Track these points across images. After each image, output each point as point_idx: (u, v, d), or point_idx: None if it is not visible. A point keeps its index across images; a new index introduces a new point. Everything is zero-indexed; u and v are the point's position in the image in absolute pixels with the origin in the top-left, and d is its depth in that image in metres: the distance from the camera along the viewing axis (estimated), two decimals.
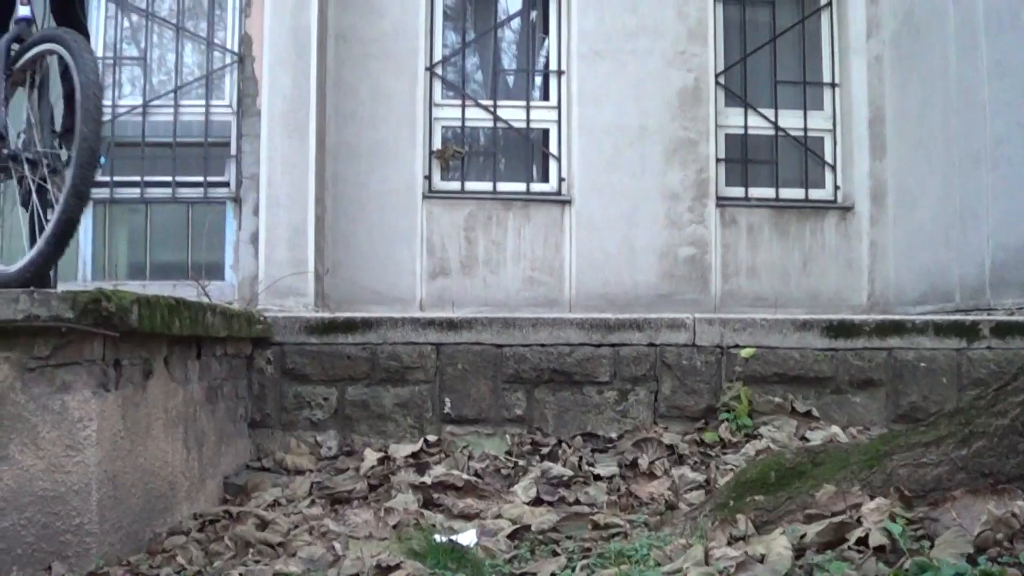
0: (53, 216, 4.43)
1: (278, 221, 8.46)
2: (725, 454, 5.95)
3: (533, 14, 10.07)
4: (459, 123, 9.68)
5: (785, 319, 6.57)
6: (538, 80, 10.02)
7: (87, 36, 5.00)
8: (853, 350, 6.46)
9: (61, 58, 4.72)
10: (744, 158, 9.78)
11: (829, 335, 6.46)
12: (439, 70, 9.71)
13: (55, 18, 5.25)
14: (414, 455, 5.94)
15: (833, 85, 9.91)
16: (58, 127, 4.95)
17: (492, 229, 9.38)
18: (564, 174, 9.56)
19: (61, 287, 4.25)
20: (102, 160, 4.53)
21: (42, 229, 4.68)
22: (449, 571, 3.99)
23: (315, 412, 6.37)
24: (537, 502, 5.27)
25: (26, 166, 4.79)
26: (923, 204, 8.83)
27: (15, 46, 4.98)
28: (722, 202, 9.57)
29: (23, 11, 4.98)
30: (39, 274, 4.46)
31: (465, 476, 5.44)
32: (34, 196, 4.77)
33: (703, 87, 9.56)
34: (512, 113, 9.70)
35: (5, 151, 4.85)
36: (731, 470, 5.45)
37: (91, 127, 4.41)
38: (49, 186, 4.71)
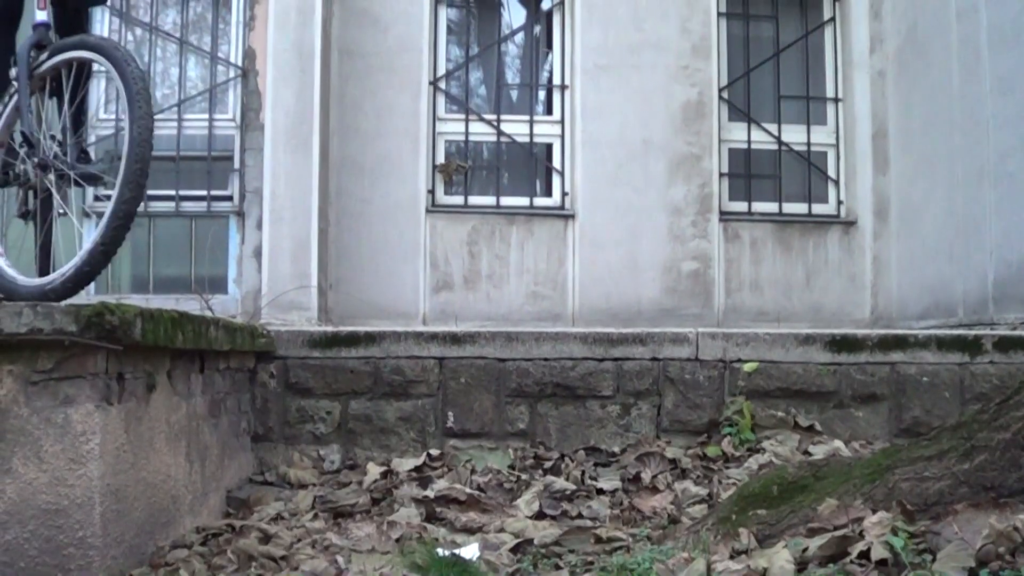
0: (98, 230, 4.37)
1: (281, 235, 8.47)
2: (728, 468, 5.95)
3: (537, 29, 10.09)
4: (463, 137, 9.70)
5: (788, 333, 6.57)
6: (542, 95, 10.04)
7: None
8: (856, 364, 6.46)
9: (84, 63, 4.69)
10: (747, 173, 9.80)
11: (832, 349, 6.47)
12: (443, 84, 9.73)
13: (59, 31, 5.20)
14: (417, 469, 5.94)
15: (836, 100, 9.93)
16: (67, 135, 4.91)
17: (495, 243, 9.39)
18: (567, 188, 9.58)
19: (64, 302, 4.24)
20: None
21: (47, 240, 4.68)
22: None
23: (318, 426, 6.38)
24: (540, 516, 5.26)
25: (52, 176, 4.71)
26: (926, 219, 8.84)
27: (33, 52, 4.89)
28: (725, 217, 9.59)
29: (40, 16, 4.83)
30: (72, 292, 4.43)
31: (468, 490, 5.44)
32: (55, 208, 4.74)
33: (707, 102, 9.58)
34: (515, 127, 9.72)
35: (36, 159, 4.72)
36: (734, 484, 5.45)
37: (141, 148, 4.36)
38: (71, 198, 4.68)
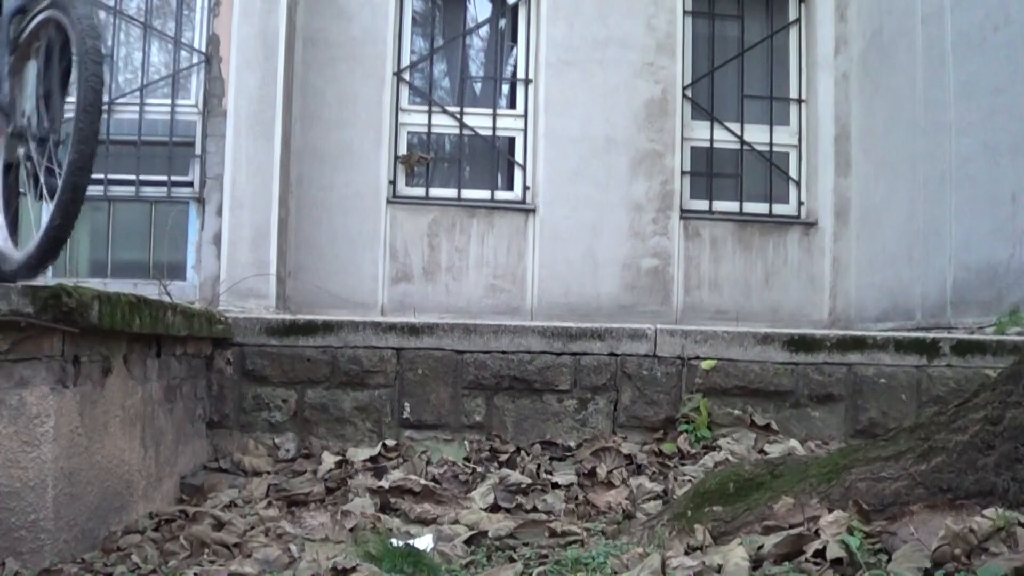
0: (62, 176, 4.23)
1: (241, 222, 8.44)
2: (683, 465, 5.95)
3: (502, 22, 10.08)
4: (425, 129, 9.68)
5: (746, 332, 6.57)
6: (505, 88, 10.04)
7: None
8: (813, 365, 6.47)
9: (60, 25, 4.51)
10: (709, 171, 9.83)
11: (790, 349, 6.47)
12: (407, 75, 9.71)
13: None
14: (372, 459, 5.92)
15: (800, 101, 9.97)
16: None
17: (456, 236, 9.38)
18: (529, 183, 9.58)
19: (21, 283, 4.20)
20: None
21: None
22: (405, 575, 3.97)
23: (274, 414, 6.34)
24: (495, 508, 5.25)
25: (32, 144, 4.53)
26: (887, 222, 8.87)
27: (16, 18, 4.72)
28: (686, 215, 9.61)
29: None
30: (57, 242, 4.28)
31: (423, 481, 5.42)
32: (42, 175, 4.54)
33: (670, 99, 9.59)
34: (478, 120, 9.71)
35: (10, 129, 4.58)
36: (689, 481, 5.45)
37: (94, 80, 4.20)
38: (55, 164, 4.52)
